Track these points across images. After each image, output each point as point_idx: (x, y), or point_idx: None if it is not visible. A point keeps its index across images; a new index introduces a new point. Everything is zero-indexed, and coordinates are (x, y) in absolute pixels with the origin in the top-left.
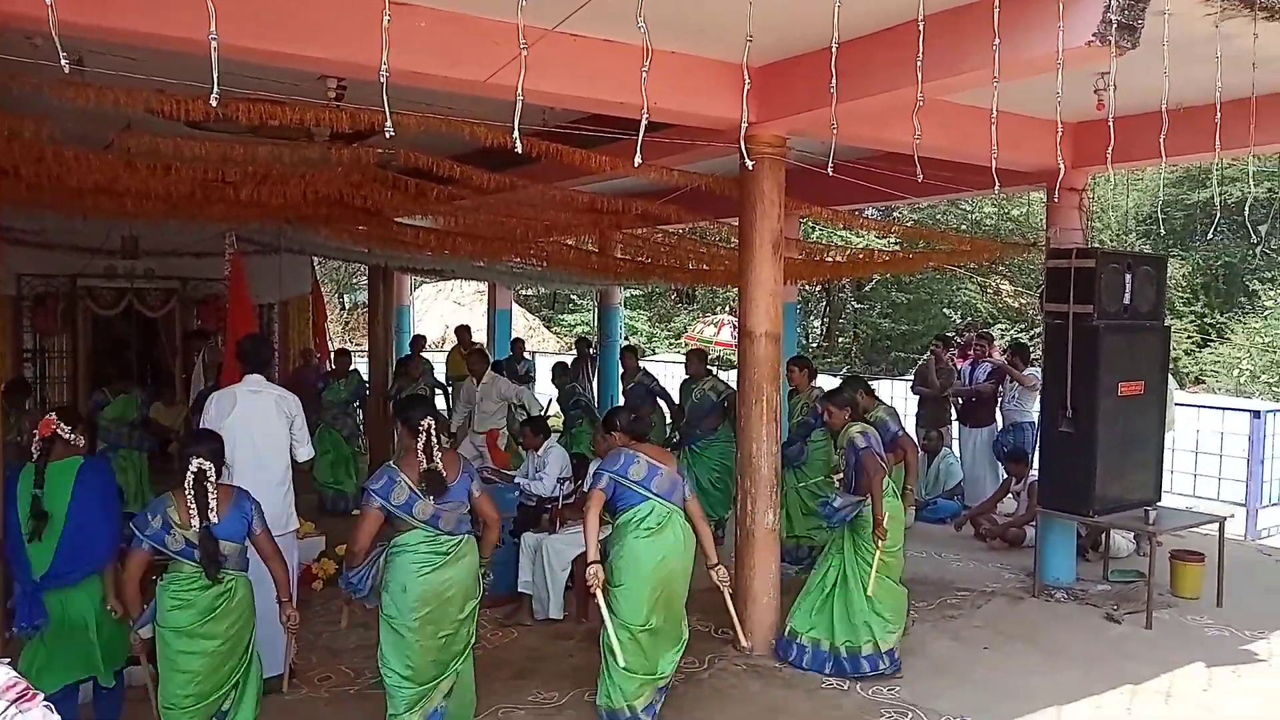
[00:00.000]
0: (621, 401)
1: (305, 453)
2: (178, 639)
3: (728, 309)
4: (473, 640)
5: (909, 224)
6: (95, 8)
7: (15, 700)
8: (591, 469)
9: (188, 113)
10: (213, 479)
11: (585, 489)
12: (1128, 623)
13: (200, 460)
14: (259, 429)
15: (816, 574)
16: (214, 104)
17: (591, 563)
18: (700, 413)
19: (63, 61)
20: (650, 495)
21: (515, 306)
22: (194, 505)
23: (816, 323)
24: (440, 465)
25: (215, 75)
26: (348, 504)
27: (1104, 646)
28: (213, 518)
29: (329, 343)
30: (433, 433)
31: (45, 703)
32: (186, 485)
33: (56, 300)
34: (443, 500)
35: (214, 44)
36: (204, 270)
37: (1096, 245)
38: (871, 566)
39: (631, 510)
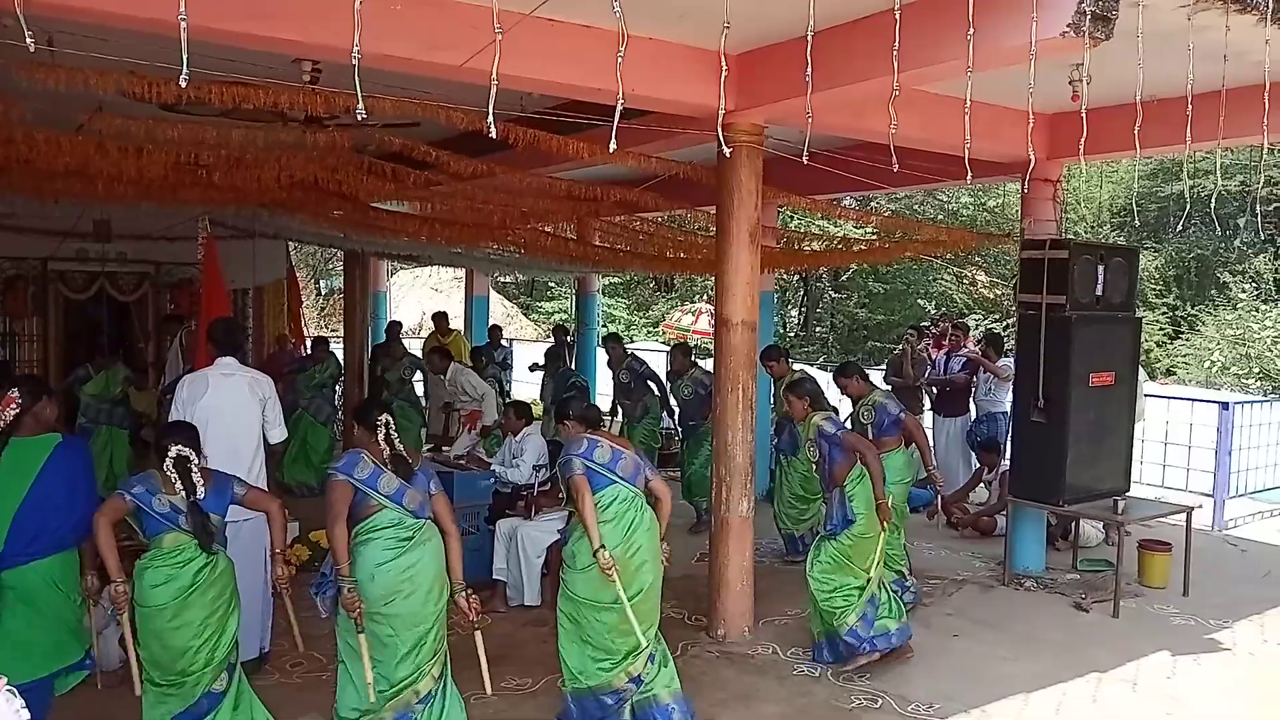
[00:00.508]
0: (613, 389)
1: (278, 434)
2: (162, 616)
3: (705, 297)
4: (443, 649)
5: (886, 214)
6: None
7: None
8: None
9: (160, 95)
10: (195, 463)
11: (560, 477)
12: (1096, 611)
13: (180, 447)
14: (231, 412)
15: None
16: (184, 85)
17: (597, 550)
18: (694, 407)
19: (28, 41)
20: (616, 479)
21: (493, 293)
22: (179, 484)
23: (794, 312)
24: (402, 450)
25: (185, 57)
26: (313, 490)
27: (1072, 635)
28: (200, 491)
29: (304, 328)
30: (390, 427)
31: (8, 688)
32: (168, 468)
33: (27, 283)
34: (410, 480)
35: (183, 24)
36: (177, 254)
37: (1070, 236)
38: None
39: (598, 495)
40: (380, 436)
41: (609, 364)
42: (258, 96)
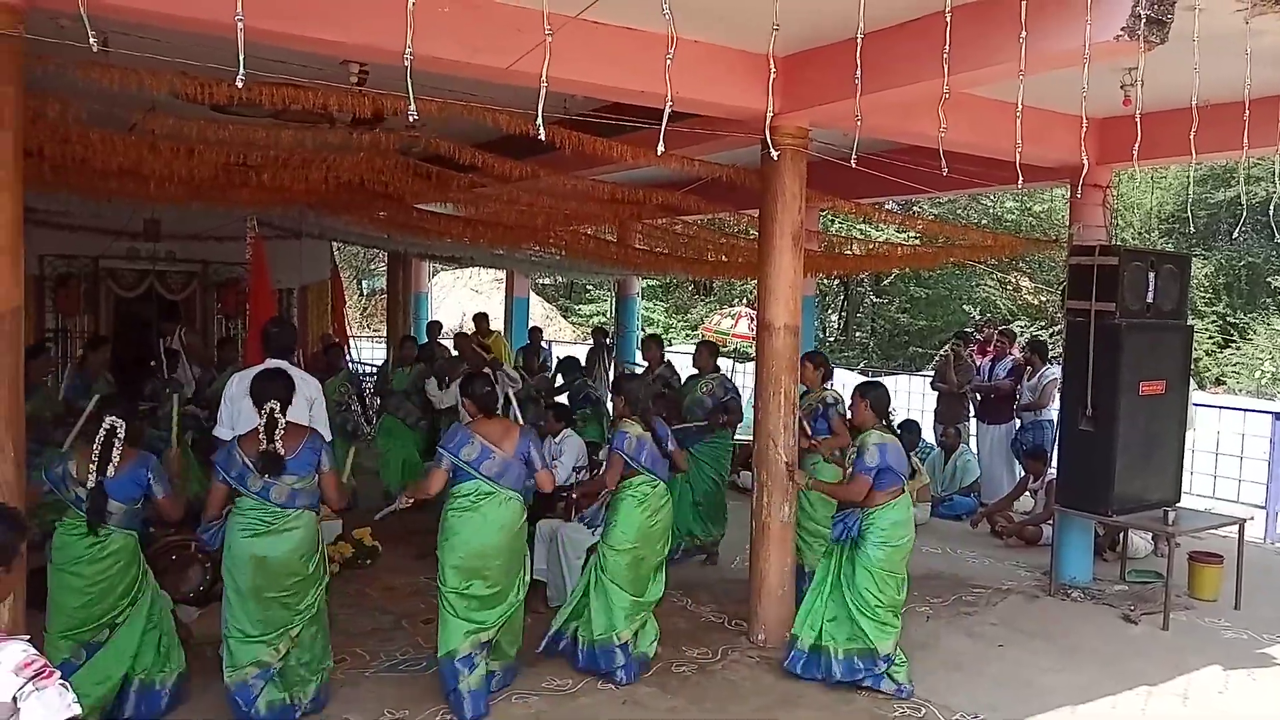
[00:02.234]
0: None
1: (325, 434)
2: (58, 574)
3: (745, 301)
4: (315, 608)
5: (929, 218)
6: None
7: (32, 678)
8: (601, 453)
9: (211, 95)
10: (120, 438)
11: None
12: (1144, 623)
13: (114, 419)
14: (289, 413)
15: None
16: (239, 86)
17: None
18: (697, 411)
19: (91, 41)
20: (476, 475)
21: (533, 295)
22: (95, 459)
23: (833, 317)
24: (279, 447)
25: (241, 58)
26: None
27: (1120, 646)
28: (110, 472)
29: (348, 328)
30: (276, 414)
31: (61, 681)
32: (96, 440)
33: (79, 281)
34: (277, 476)
35: (240, 26)
36: (225, 254)
37: (1119, 243)
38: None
39: (458, 485)
40: (262, 424)
41: (646, 369)
42: (307, 98)
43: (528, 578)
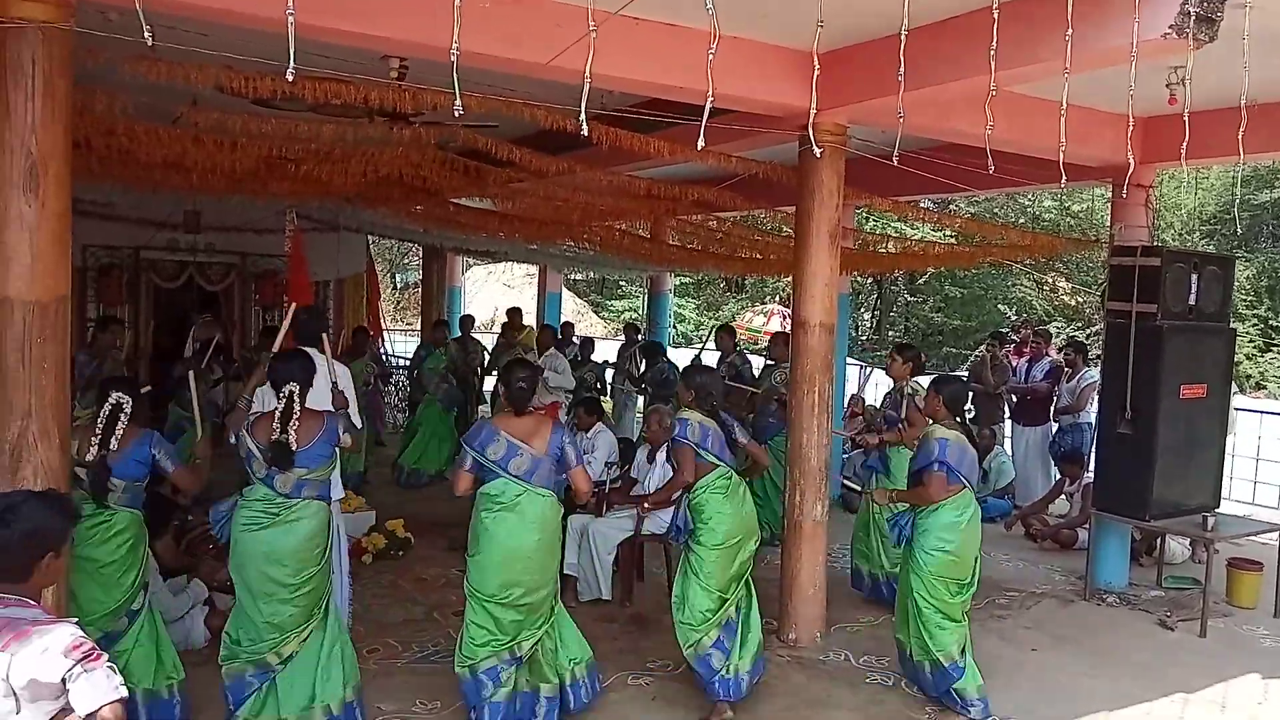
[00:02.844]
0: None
1: (355, 422)
2: (72, 562)
3: (778, 298)
4: (319, 614)
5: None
6: None
7: (80, 660)
8: (640, 454)
9: (255, 90)
10: (126, 413)
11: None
12: (1181, 630)
13: (120, 394)
14: (317, 391)
15: None
16: (289, 80)
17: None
18: (772, 401)
19: (146, 35)
20: (503, 474)
21: (564, 290)
22: (99, 434)
23: (866, 315)
24: (291, 437)
25: (292, 52)
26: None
27: (1156, 653)
28: (113, 446)
29: (382, 320)
30: (294, 400)
31: (109, 663)
32: (101, 416)
33: (121, 272)
34: (286, 469)
35: (290, 21)
36: (263, 246)
37: (1161, 244)
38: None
39: (487, 485)
40: (280, 409)
41: (720, 358)
42: (348, 92)
43: (559, 581)
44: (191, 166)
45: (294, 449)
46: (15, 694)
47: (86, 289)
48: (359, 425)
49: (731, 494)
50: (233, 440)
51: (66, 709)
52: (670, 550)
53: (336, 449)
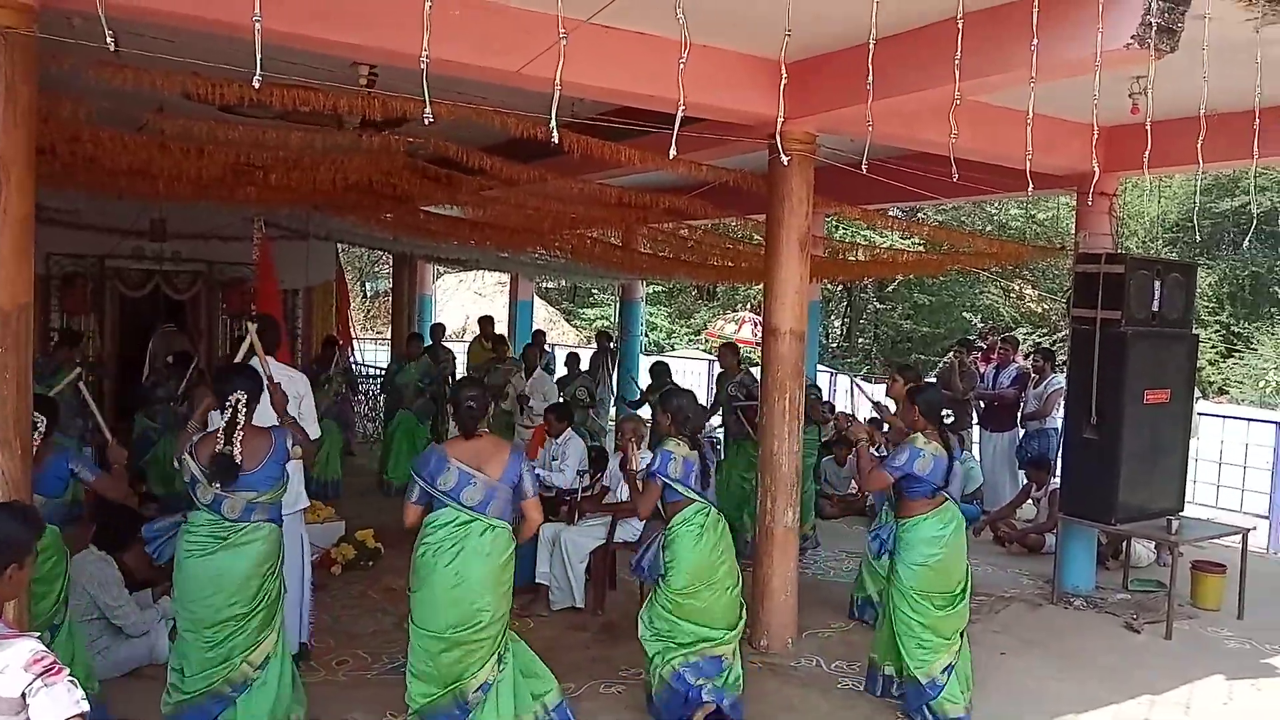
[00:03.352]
0: (716, 403)
1: (312, 431)
2: None
3: (749, 306)
4: (267, 630)
5: (934, 224)
6: None
7: (41, 674)
8: (614, 462)
9: (222, 96)
10: (41, 432)
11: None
12: (1147, 632)
13: (36, 414)
14: (265, 409)
15: None
16: (256, 86)
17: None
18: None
19: (109, 41)
20: (454, 505)
21: (536, 298)
22: None
23: (837, 322)
24: (236, 449)
25: (259, 58)
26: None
27: (1123, 655)
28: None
29: (352, 329)
30: (240, 410)
31: (70, 678)
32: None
33: (85, 280)
34: (231, 487)
35: (257, 26)
36: (230, 254)
37: (1124, 251)
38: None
39: (434, 513)
40: (224, 421)
41: (720, 376)
42: (317, 99)
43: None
44: (157, 173)
45: (238, 462)
46: None
47: (50, 297)
48: (315, 434)
49: (702, 536)
50: (176, 465)
51: None
52: None
53: (287, 469)
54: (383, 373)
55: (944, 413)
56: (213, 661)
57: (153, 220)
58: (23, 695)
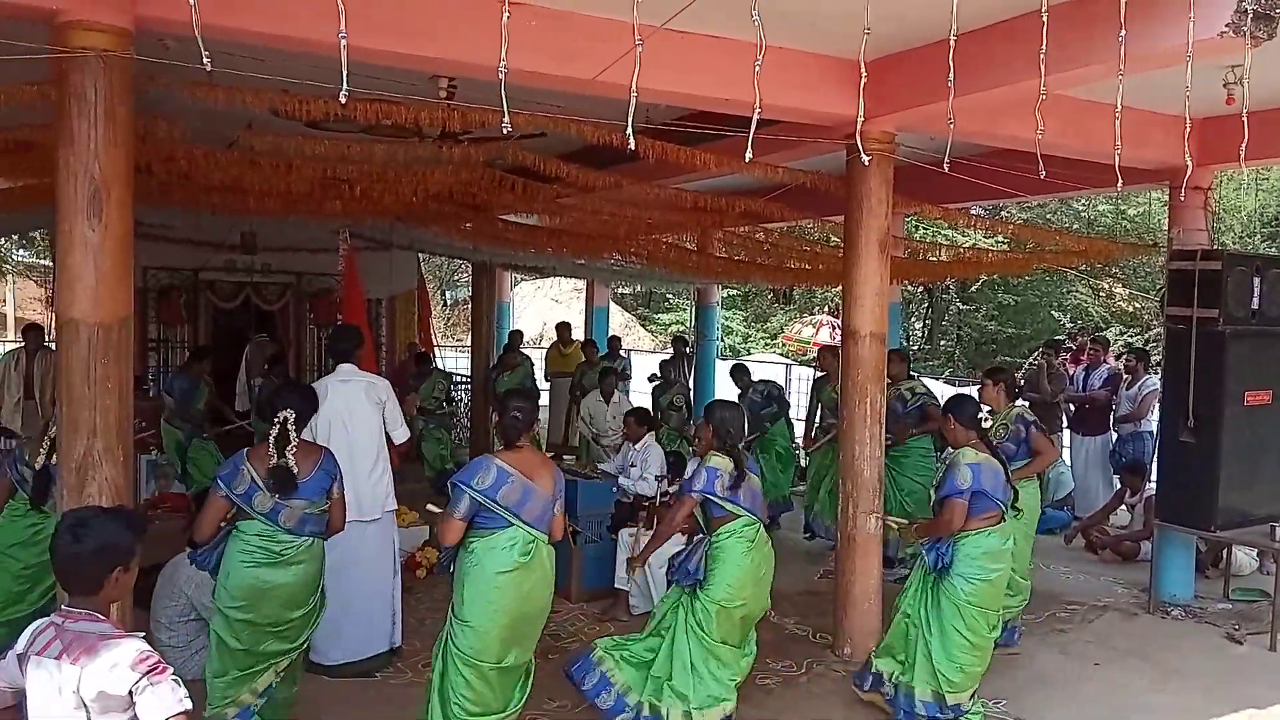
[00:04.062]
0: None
1: (401, 434)
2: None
3: (826, 309)
4: (300, 643)
5: (1019, 223)
6: (227, 10)
7: (147, 673)
8: (690, 467)
9: (308, 112)
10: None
11: (683, 490)
12: (1250, 644)
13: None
14: (350, 416)
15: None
16: (342, 101)
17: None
18: (893, 419)
19: (205, 62)
20: (516, 522)
21: (611, 304)
22: (45, 446)
23: (918, 324)
24: (291, 461)
25: (345, 74)
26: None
27: (1224, 667)
28: (54, 460)
29: (433, 337)
30: (289, 425)
31: (174, 677)
32: (52, 426)
33: (180, 293)
34: (289, 497)
35: (343, 43)
36: (318, 265)
37: (1221, 247)
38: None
39: (490, 536)
40: (273, 436)
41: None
42: (399, 113)
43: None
44: (248, 189)
45: (295, 474)
46: (85, 706)
47: (147, 310)
48: (404, 436)
49: (751, 548)
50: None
51: None
52: None
53: (375, 472)
54: (469, 380)
55: (980, 415)
56: (241, 664)
57: (243, 234)
58: (130, 693)
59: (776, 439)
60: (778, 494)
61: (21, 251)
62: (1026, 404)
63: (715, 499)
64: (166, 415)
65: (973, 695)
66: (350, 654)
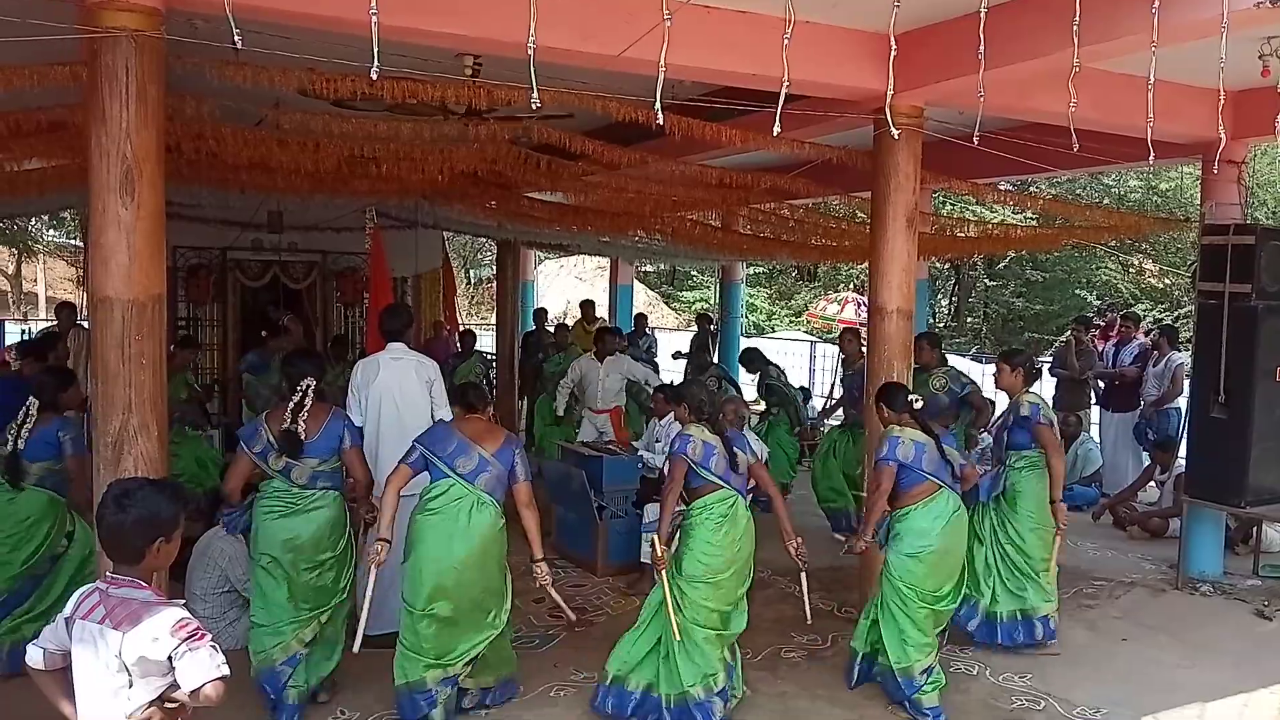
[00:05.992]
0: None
1: (445, 414)
2: None
3: (852, 286)
4: (345, 594)
5: (1047, 198)
6: None
7: (186, 639)
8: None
9: (336, 90)
10: (34, 414)
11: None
12: (1279, 620)
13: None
14: (400, 393)
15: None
16: (373, 78)
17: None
18: (932, 410)
19: (235, 40)
20: (449, 474)
21: (636, 282)
22: (17, 425)
23: (944, 301)
24: (300, 427)
25: (375, 51)
26: None
27: (1253, 643)
28: (25, 434)
29: (458, 315)
30: (308, 394)
31: (212, 643)
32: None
33: (209, 271)
34: (296, 457)
35: (374, 20)
36: (343, 244)
37: (1254, 221)
38: None
39: (429, 486)
40: (293, 401)
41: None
42: (426, 91)
43: (508, 604)
44: (275, 168)
45: (303, 438)
46: (127, 669)
47: (177, 288)
48: (449, 417)
49: (723, 523)
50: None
51: (173, 685)
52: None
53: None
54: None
55: (911, 398)
56: (285, 615)
57: (270, 213)
58: (169, 658)
59: (778, 427)
60: (779, 480)
61: (52, 232)
62: (1040, 396)
63: (692, 466)
64: (246, 395)
65: (926, 670)
66: (388, 625)
